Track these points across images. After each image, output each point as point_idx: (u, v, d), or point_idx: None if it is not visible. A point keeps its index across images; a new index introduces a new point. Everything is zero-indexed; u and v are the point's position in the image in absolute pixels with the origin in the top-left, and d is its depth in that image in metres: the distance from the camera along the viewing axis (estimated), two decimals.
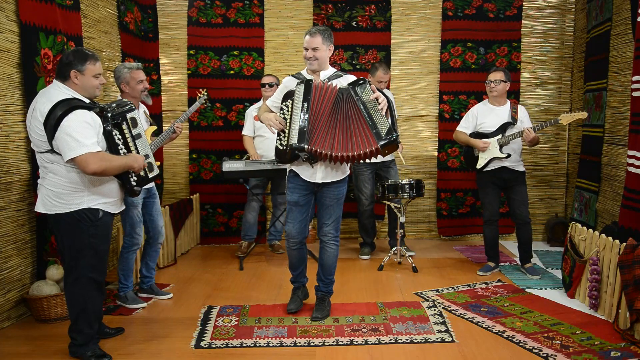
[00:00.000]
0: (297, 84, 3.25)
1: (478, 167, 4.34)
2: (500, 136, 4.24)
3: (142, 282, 3.87)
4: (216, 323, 3.37)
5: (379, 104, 3.12)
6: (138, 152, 2.88)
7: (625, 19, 4.31)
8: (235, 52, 5.53)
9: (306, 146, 3.14)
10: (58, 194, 2.71)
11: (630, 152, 3.63)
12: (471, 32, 5.50)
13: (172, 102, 5.59)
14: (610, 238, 3.44)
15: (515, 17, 5.49)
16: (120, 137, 2.80)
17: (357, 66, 5.55)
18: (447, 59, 5.54)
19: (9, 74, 3.30)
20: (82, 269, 2.78)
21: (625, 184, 3.70)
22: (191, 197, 5.35)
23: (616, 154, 4.44)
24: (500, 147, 4.23)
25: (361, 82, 3.18)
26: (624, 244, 3.21)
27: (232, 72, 5.54)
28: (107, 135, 2.72)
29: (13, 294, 3.36)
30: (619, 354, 2.87)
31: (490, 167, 4.30)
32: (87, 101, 2.74)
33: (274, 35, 5.56)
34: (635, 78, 3.61)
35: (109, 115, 2.75)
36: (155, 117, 5.36)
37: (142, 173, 2.91)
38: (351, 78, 3.33)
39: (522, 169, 4.33)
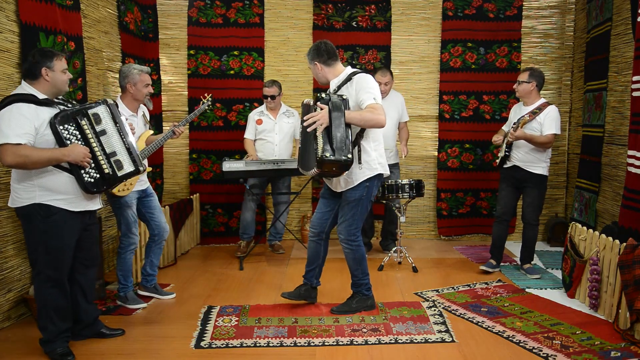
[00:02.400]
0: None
1: (496, 163, 4.44)
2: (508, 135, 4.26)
3: (146, 281, 3.86)
4: (216, 323, 3.37)
5: (310, 125, 3.16)
6: (103, 148, 2.84)
7: (625, 19, 4.31)
8: (235, 52, 5.53)
9: (300, 169, 3.43)
10: (16, 189, 2.79)
11: (630, 152, 3.63)
12: (471, 32, 5.50)
13: (172, 102, 5.59)
14: (610, 238, 3.44)
15: (515, 17, 5.49)
16: (76, 132, 2.77)
17: (357, 66, 5.55)
18: (447, 59, 5.54)
19: (9, 74, 3.30)
20: (39, 264, 2.82)
21: (625, 184, 3.70)
22: (191, 197, 5.35)
23: (616, 154, 4.44)
24: (508, 146, 4.24)
25: (318, 97, 3.22)
26: (624, 244, 3.21)
27: (232, 72, 5.54)
28: (53, 130, 2.70)
29: (13, 294, 3.36)
30: (619, 354, 2.87)
31: (506, 165, 4.33)
32: (42, 97, 2.73)
33: (274, 35, 5.56)
34: (635, 78, 3.61)
35: (63, 111, 2.75)
36: (155, 117, 5.37)
37: (107, 170, 2.83)
38: (357, 79, 3.32)
39: (537, 171, 4.21)
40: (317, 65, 3.43)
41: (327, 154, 3.09)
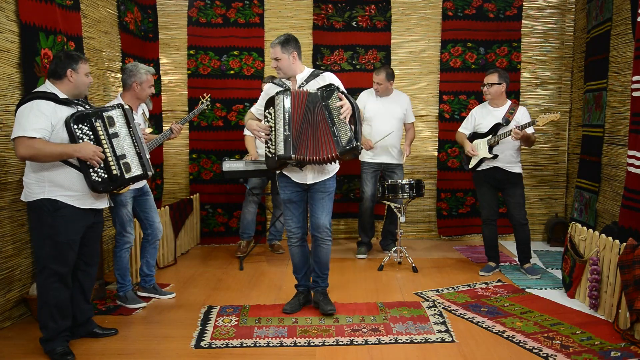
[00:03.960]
0: (276, 93, 3.32)
1: (470, 166, 4.39)
2: (490, 137, 4.24)
3: (144, 281, 3.87)
4: (216, 323, 3.37)
5: (342, 112, 3.19)
6: (113, 150, 2.90)
7: (625, 19, 4.31)
8: (235, 52, 5.53)
9: (293, 155, 3.25)
10: (28, 184, 2.86)
11: (630, 152, 3.63)
12: (471, 32, 5.50)
13: (172, 102, 5.59)
14: (610, 238, 3.43)
15: (515, 17, 5.49)
16: (89, 132, 2.84)
17: (357, 66, 5.56)
18: (447, 59, 5.54)
19: (9, 74, 3.30)
20: (44, 259, 2.86)
21: (625, 184, 3.70)
22: (191, 197, 5.35)
23: (616, 154, 4.44)
24: (490, 147, 4.23)
25: (329, 88, 3.27)
26: (624, 244, 3.21)
27: (232, 72, 5.54)
28: (68, 128, 2.78)
29: (13, 294, 3.36)
30: (619, 354, 2.87)
31: (482, 167, 4.32)
32: (63, 96, 2.83)
33: (274, 35, 5.53)
34: (635, 78, 3.61)
35: (80, 111, 2.84)
36: (155, 117, 5.37)
37: (115, 171, 2.89)
38: (329, 77, 3.39)
39: (517, 170, 4.29)
40: (293, 55, 3.36)
41: (358, 143, 3.21)
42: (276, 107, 3.30)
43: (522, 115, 4.27)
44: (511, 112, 4.24)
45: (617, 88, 4.46)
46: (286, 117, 3.26)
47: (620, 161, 4.34)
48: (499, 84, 4.24)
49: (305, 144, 3.26)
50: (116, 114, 2.96)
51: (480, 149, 4.29)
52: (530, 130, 4.15)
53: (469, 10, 5.49)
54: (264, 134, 3.34)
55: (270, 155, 3.33)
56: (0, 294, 3.25)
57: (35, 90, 2.85)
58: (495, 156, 4.22)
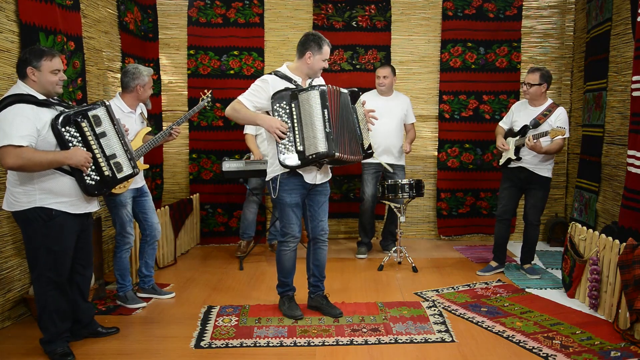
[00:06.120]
0: (309, 89, 3.18)
1: (500, 163, 4.36)
2: (518, 137, 4.21)
3: (143, 282, 3.87)
4: (216, 323, 3.37)
5: (368, 119, 3.35)
6: (103, 151, 2.82)
7: (625, 19, 4.31)
8: (235, 52, 5.53)
9: (337, 154, 3.12)
10: (13, 192, 2.74)
11: (630, 152, 3.63)
12: (471, 32, 5.50)
13: (172, 102, 5.59)
14: (610, 238, 3.44)
15: (515, 17, 5.49)
16: (76, 134, 2.73)
17: (357, 66, 5.55)
18: (447, 59, 5.54)
19: (9, 74, 3.30)
20: (39, 268, 2.80)
21: (625, 184, 3.70)
22: (191, 197, 5.35)
23: (616, 154, 4.44)
24: (517, 148, 4.18)
25: (355, 91, 3.34)
26: (624, 244, 3.21)
27: (232, 72, 5.54)
28: (56, 132, 2.65)
29: (13, 294, 3.36)
30: (619, 354, 2.87)
31: (510, 165, 4.28)
32: (41, 97, 2.70)
33: (274, 35, 5.56)
34: (635, 78, 3.61)
35: (64, 112, 2.69)
36: (155, 117, 5.37)
37: (106, 172, 2.82)
38: (322, 81, 3.42)
39: (544, 173, 4.16)
40: None
41: (372, 150, 3.41)
42: (303, 102, 3.14)
43: (556, 119, 4.05)
44: (545, 114, 4.08)
45: (617, 88, 4.46)
46: (325, 113, 3.12)
47: (620, 161, 4.34)
48: (540, 84, 4.07)
49: (344, 143, 3.21)
50: (101, 112, 2.85)
51: (511, 149, 4.24)
52: (546, 140, 4.01)
53: (469, 10, 5.49)
54: (282, 132, 3.13)
55: (289, 153, 3.17)
56: (0, 294, 3.25)
57: (11, 93, 2.67)
58: (519, 158, 4.16)
